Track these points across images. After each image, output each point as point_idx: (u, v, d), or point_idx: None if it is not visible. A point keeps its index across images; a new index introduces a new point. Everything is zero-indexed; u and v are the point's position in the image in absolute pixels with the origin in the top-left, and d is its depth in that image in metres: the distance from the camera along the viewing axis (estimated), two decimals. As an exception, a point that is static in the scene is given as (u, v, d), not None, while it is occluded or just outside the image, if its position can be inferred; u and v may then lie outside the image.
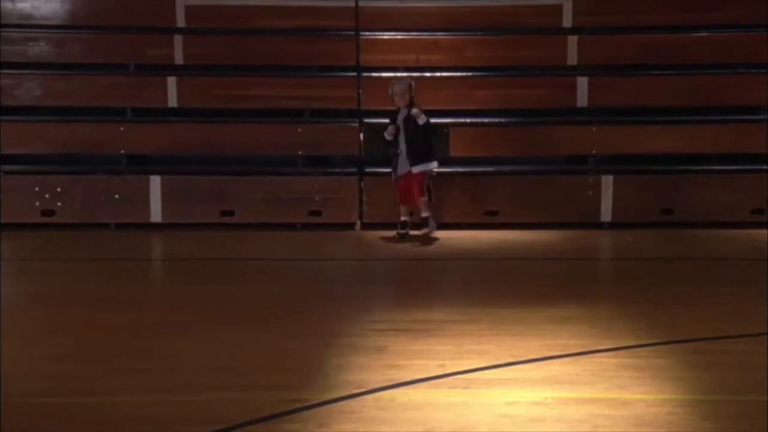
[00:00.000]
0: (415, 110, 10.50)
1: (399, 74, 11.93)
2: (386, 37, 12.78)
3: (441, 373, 5.68)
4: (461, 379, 5.60)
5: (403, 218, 10.77)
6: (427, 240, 10.50)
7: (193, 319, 7.10)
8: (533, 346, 6.23)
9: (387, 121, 10.85)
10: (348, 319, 7.17)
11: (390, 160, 10.84)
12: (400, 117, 10.70)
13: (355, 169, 11.82)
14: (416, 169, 10.56)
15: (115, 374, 5.68)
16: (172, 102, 12.19)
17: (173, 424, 4.77)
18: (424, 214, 10.59)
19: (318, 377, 5.64)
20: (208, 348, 6.30)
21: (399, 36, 12.78)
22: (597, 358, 5.95)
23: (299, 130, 11.97)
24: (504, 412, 5.02)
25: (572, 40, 12.62)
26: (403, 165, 10.65)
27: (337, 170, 12.18)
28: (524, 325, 6.86)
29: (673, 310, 7.32)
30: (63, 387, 5.40)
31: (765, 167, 11.50)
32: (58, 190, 11.48)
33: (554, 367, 5.81)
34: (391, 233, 10.79)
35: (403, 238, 10.63)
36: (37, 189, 11.48)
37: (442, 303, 8.01)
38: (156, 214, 11.35)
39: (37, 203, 11.46)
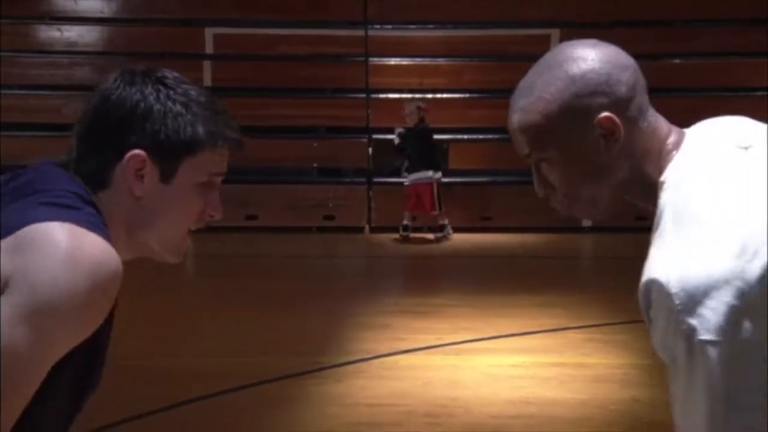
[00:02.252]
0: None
1: (405, 95, 12.40)
2: (392, 62, 13.30)
3: (437, 343, 6.37)
4: (453, 348, 6.29)
5: (405, 222, 11.28)
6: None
7: (227, 305, 7.71)
8: (515, 325, 6.88)
9: (393, 137, 11.33)
10: (358, 304, 7.85)
11: (399, 171, 11.29)
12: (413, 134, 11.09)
13: (364, 179, 12.33)
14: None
15: (174, 344, 6.39)
16: None
17: (223, 378, 5.45)
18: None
19: (334, 347, 6.34)
20: (243, 326, 6.94)
21: (404, 62, 13.29)
22: (568, 334, 6.63)
23: (315, 144, 12.45)
24: (488, 372, 5.75)
25: None
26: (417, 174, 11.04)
27: (348, 180, 12.65)
28: (509, 308, 7.52)
29: (635, 297, 7.97)
30: (142, 351, 6.12)
31: None
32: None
33: (531, 341, 6.49)
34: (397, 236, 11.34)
35: (405, 240, 11.21)
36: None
37: (440, 291, 8.63)
38: None
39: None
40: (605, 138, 1.51)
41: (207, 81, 13.09)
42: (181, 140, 1.52)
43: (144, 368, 5.66)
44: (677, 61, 13.18)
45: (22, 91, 12.91)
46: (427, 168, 10.98)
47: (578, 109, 1.51)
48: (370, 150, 12.45)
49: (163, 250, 1.59)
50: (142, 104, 1.51)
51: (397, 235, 11.30)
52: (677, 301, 1.38)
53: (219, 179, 1.59)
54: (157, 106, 1.51)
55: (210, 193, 1.58)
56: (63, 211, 1.42)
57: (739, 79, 13.01)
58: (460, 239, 11.22)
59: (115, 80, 1.53)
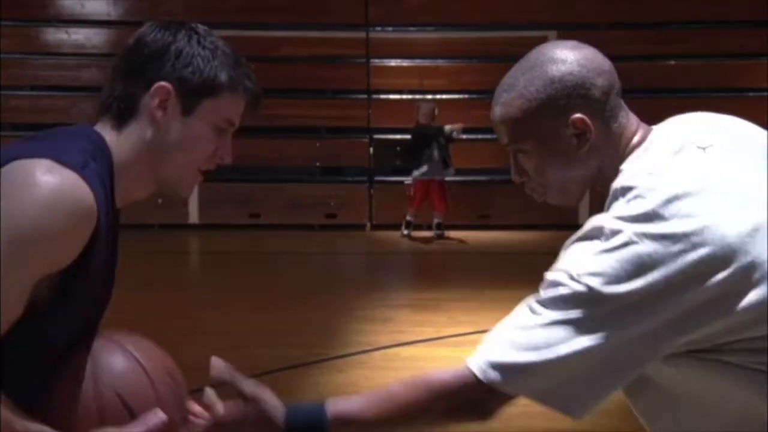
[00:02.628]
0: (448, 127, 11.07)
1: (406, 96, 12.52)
2: (393, 64, 13.35)
3: (436, 335, 6.49)
4: (452, 340, 6.38)
5: (408, 218, 11.31)
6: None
7: (231, 299, 7.80)
8: (513, 318, 7.04)
9: (396, 137, 11.43)
10: (360, 298, 7.98)
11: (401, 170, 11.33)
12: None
13: (365, 178, 12.42)
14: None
15: (177, 335, 6.49)
16: None
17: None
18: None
19: (336, 339, 6.46)
20: (247, 320, 7.05)
21: (404, 63, 13.34)
22: None
23: (317, 144, 12.54)
24: (486, 363, 5.87)
25: None
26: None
27: (349, 179, 12.74)
28: (506, 302, 7.47)
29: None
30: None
31: None
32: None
33: (528, 332, 6.64)
34: (399, 234, 11.39)
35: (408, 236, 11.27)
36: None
37: (439, 286, 8.76)
38: (194, 216, 11.97)
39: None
40: (577, 137, 1.64)
41: None
42: (205, 80, 1.66)
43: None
44: (673, 62, 13.23)
45: (33, 92, 13.04)
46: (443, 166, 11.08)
47: (554, 108, 1.64)
48: (371, 150, 12.53)
49: (177, 182, 1.72)
50: (174, 45, 1.65)
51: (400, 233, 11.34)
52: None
53: (232, 128, 1.72)
54: (187, 48, 1.65)
55: (223, 138, 1.71)
56: (51, 150, 1.54)
57: (733, 80, 13.08)
58: (459, 236, 11.30)
59: (151, 25, 1.69)
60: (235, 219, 12.04)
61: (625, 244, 1.48)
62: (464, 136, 12.61)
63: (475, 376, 1.58)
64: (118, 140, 1.67)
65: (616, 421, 4.73)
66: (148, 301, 7.40)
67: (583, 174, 1.68)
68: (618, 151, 1.66)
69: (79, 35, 13.43)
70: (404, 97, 12.75)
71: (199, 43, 1.67)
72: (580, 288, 1.51)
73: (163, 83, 1.64)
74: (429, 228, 11.45)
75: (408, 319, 7.03)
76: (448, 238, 11.26)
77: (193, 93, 1.66)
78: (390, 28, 13.50)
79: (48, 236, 1.51)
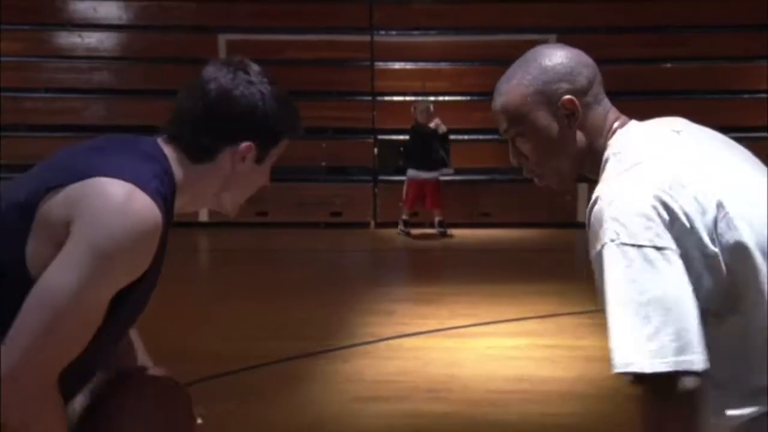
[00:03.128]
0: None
1: (409, 98, 12.56)
2: (397, 66, 13.42)
3: (438, 327, 6.59)
4: (454, 332, 6.51)
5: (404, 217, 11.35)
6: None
7: (240, 293, 7.94)
8: (511, 311, 7.09)
9: (399, 138, 11.47)
10: (365, 292, 8.08)
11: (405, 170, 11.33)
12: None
13: (369, 178, 12.48)
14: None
15: (190, 326, 6.58)
16: None
17: (236, 359, 5.66)
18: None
19: (341, 331, 6.56)
20: (255, 312, 7.16)
21: (408, 66, 13.42)
22: (562, 319, 6.82)
23: (323, 145, 12.61)
24: (485, 353, 5.97)
25: None
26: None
27: (354, 178, 12.79)
28: (506, 296, 7.72)
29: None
30: (158, 334, 6.34)
31: None
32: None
33: (527, 325, 6.71)
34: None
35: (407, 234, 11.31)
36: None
37: (440, 281, 8.86)
38: (203, 215, 12.03)
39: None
40: (567, 117, 1.86)
41: None
42: (278, 137, 1.90)
43: (161, 348, 5.87)
44: (668, 65, 13.32)
45: (47, 94, 13.14)
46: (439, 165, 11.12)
47: (548, 92, 1.87)
48: (376, 150, 12.60)
49: (233, 208, 1.98)
50: (260, 105, 1.84)
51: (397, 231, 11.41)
52: (609, 214, 1.67)
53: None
54: (264, 107, 1.85)
55: (269, 168, 1.98)
56: (132, 168, 1.67)
57: (729, 83, 13.18)
58: (460, 234, 11.39)
59: (233, 76, 1.84)
60: (243, 217, 12.04)
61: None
62: (465, 137, 12.74)
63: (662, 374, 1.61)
64: (186, 171, 1.85)
65: (606, 405, 4.87)
66: (161, 295, 7.48)
67: (572, 152, 1.88)
68: (603, 130, 1.88)
69: (91, 39, 13.53)
70: (407, 99, 12.79)
71: (272, 98, 1.88)
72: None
73: (249, 143, 1.85)
74: (431, 226, 11.52)
75: (410, 312, 7.11)
76: (450, 235, 11.33)
77: (268, 147, 1.91)
78: (393, 32, 13.61)
79: (129, 255, 1.67)
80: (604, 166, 1.83)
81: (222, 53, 13.43)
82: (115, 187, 1.66)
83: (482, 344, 6.19)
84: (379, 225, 12.07)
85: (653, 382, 1.61)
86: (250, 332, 6.50)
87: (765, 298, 1.65)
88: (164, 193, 1.75)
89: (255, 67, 1.94)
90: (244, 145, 1.87)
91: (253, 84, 1.89)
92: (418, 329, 6.54)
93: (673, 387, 1.59)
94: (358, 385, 5.28)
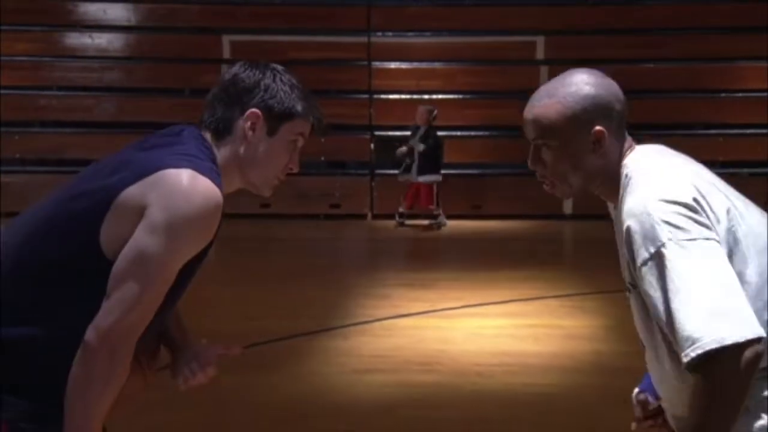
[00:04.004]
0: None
1: (404, 96, 12.77)
2: (393, 66, 13.59)
3: (429, 309, 6.89)
4: (444, 313, 6.81)
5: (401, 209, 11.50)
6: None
7: (247, 278, 8.18)
8: (498, 295, 7.38)
9: (395, 134, 11.64)
10: (361, 278, 8.36)
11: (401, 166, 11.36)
12: (419, 133, 11.16)
13: (367, 171, 12.65)
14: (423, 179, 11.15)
15: (200, 307, 6.86)
16: None
17: (242, 337, 5.84)
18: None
19: (340, 312, 6.84)
20: (260, 296, 7.45)
21: (403, 66, 13.58)
22: (545, 302, 7.12)
23: (322, 140, 12.75)
24: (473, 332, 6.27)
25: (544, 69, 13.28)
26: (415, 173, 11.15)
27: (352, 172, 12.94)
28: (494, 282, 7.99)
29: (608, 272, 8.43)
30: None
31: None
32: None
33: (512, 307, 7.01)
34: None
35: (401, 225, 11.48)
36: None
37: (433, 268, 9.12)
38: None
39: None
40: (594, 143, 2.03)
41: None
42: (285, 109, 2.07)
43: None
44: (651, 65, 13.48)
45: (60, 92, 13.32)
46: (434, 170, 11.21)
47: (583, 118, 2.02)
48: (372, 145, 12.78)
49: (261, 184, 2.14)
50: (263, 81, 2.06)
51: (395, 222, 11.62)
52: (656, 218, 1.86)
53: (302, 141, 2.13)
54: (272, 84, 2.06)
55: (293, 152, 2.13)
56: (188, 159, 1.97)
57: (707, 82, 13.38)
58: (453, 225, 11.64)
59: (243, 65, 2.10)
60: (248, 209, 12.19)
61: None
62: (458, 133, 12.90)
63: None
64: (220, 152, 2.08)
65: (582, 377, 5.20)
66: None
67: (590, 172, 2.06)
68: (619, 157, 2.06)
69: (101, 40, 13.71)
70: (403, 97, 12.96)
71: (281, 80, 2.08)
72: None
73: (254, 110, 2.06)
74: (427, 217, 11.72)
75: (404, 296, 7.39)
76: (438, 227, 11.52)
77: (276, 118, 2.07)
78: (390, 34, 13.79)
79: (197, 230, 1.94)
80: (627, 182, 1.99)
81: (226, 53, 13.65)
82: (181, 175, 1.94)
83: (470, 324, 6.49)
84: (375, 216, 12.27)
85: (736, 350, 1.77)
86: (255, 312, 6.79)
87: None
88: (217, 175, 2.03)
89: (277, 65, 2.14)
90: (250, 111, 2.05)
91: (267, 69, 2.11)
92: (411, 310, 6.83)
93: (743, 354, 1.78)
94: (357, 359, 5.60)
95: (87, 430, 1.96)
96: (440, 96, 13.23)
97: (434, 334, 6.21)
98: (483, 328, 6.37)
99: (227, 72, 2.12)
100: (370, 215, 12.38)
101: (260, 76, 2.07)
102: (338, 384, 5.12)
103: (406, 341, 6.00)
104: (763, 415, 1.92)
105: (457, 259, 9.73)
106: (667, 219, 1.85)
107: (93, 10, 13.94)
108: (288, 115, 2.08)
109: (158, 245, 1.90)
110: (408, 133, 11.38)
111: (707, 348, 1.77)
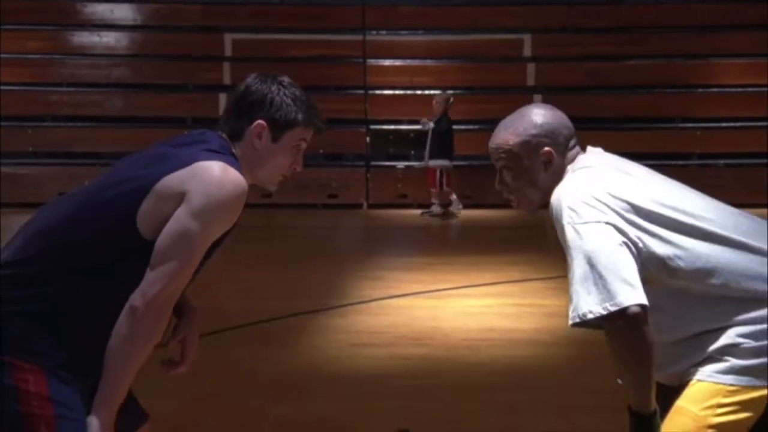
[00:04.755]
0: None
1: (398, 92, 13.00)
2: (387, 63, 13.79)
3: (422, 290, 7.15)
4: (435, 294, 7.07)
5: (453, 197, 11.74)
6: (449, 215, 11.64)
7: (250, 262, 8.22)
8: (486, 277, 7.64)
9: (389, 127, 11.88)
10: (358, 262, 8.61)
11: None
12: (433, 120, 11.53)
13: (363, 163, 12.86)
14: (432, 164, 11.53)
15: (205, 289, 7.10)
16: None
17: (246, 315, 6.20)
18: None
19: (338, 293, 7.09)
20: (262, 279, 7.70)
21: (397, 63, 13.78)
22: (529, 284, 7.38)
23: (320, 134, 12.98)
24: (461, 310, 6.54)
25: (531, 66, 13.66)
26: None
27: (349, 164, 13.16)
28: (482, 265, 8.24)
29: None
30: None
31: (680, 162, 12.51)
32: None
33: (498, 288, 7.27)
34: (391, 212, 11.87)
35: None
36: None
37: (425, 253, 9.39)
38: None
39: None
40: (545, 164, 2.37)
41: (227, 80, 13.56)
42: (287, 120, 2.33)
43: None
44: (633, 62, 13.69)
45: (70, 88, 13.51)
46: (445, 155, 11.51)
47: (533, 143, 2.37)
48: (368, 138, 12.97)
49: (267, 182, 2.41)
50: (269, 95, 2.32)
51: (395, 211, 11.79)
52: (567, 205, 2.21)
53: (304, 145, 2.40)
54: (277, 98, 2.32)
55: (297, 155, 2.40)
56: (217, 154, 2.24)
57: (683, 78, 13.64)
58: (443, 214, 11.88)
59: (255, 79, 2.36)
60: (250, 198, 12.25)
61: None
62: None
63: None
64: (236, 152, 2.35)
65: (560, 350, 5.48)
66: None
67: (545, 187, 2.37)
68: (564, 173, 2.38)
69: (109, 38, 13.91)
70: (397, 92, 13.16)
71: (285, 94, 2.33)
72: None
73: (260, 121, 2.32)
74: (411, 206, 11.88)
75: (398, 278, 7.64)
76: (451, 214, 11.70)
77: (279, 128, 2.33)
78: (384, 32, 14.00)
79: (227, 212, 2.21)
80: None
81: (227, 51, 13.86)
82: (214, 167, 2.21)
83: (459, 303, 6.77)
84: (371, 206, 12.46)
85: (614, 316, 2.12)
86: (259, 293, 7.06)
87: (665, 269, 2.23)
88: (239, 168, 2.30)
89: (284, 78, 2.40)
90: (257, 123, 2.31)
91: (274, 83, 2.36)
92: (404, 291, 7.09)
93: (626, 316, 2.11)
94: (354, 335, 5.86)
95: (124, 380, 2.23)
96: (432, 92, 13.21)
97: (425, 312, 6.48)
98: (471, 307, 6.65)
99: (241, 84, 2.38)
100: (365, 205, 12.57)
101: (267, 90, 2.32)
102: (337, 357, 5.39)
103: (400, 319, 6.26)
104: (728, 358, 2.22)
105: (447, 245, 10.00)
106: (570, 206, 2.20)
107: (101, 10, 14.14)
108: (290, 125, 2.33)
109: (197, 225, 2.17)
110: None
111: (574, 315, 2.15)
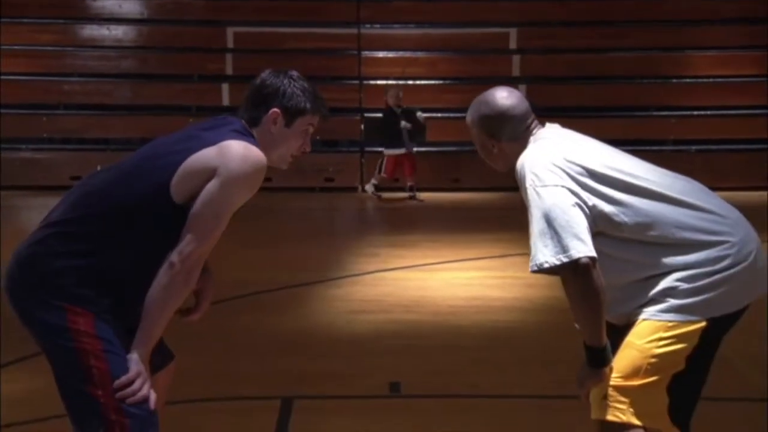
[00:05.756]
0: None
1: (390, 82, 13.11)
2: (380, 55, 14.00)
3: (412, 264, 7.45)
4: (423, 267, 7.38)
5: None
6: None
7: (252, 240, 8.38)
8: (471, 253, 7.96)
9: (381, 115, 11.99)
10: (353, 239, 8.95)
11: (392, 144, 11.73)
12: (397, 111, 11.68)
13: (357, 149, 13.10)
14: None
15: (215, 263, 7.38)
16: (225, 102, 13.26)
17: (250, 285, 6.52)
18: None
19: (334, 266, 7.40)
20: (266, 253, 8.00)
21: (390, 55, 13.98)
22: (511, 258, 7.60)
23: None
24: (448, 281, 6.86)
25: (516, 58, 13.93)
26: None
27: (344, 150, 13.39)
28: (468, 242, 8.53)
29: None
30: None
31: (655, 148, 12.78)
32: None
33: (482, 263, 7.58)
34: (386, 195, 12.06)
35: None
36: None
37: (415, 232, 9.69)
38: None
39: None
40: (492, 146, 2.72)
41: (229, 71, 13.81)
42: (298, 108, 2.61)
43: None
44: (613, 54, 13.90)
45: (81, 79, 13.72)
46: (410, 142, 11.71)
47: (485, 122, 2.70)
48: (362, 126, 13.16)
49: (279, 161, 2.68)
50: (281, 87, 2.61)
51: (389, 195, 11.98)
52: (529, 170, 2.55)
53: (312, 129, 2.67)
54: (289, 89, 2.61)
55: (306, 137, 2.68)
56: (241, 135, 2.55)
57: (660, 70, 13.90)
58: (434, 197, 12.11)
59: (269, 74, 2.65)
60: None
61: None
62: (438, 115, 13.22)
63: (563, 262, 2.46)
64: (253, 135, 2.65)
65: (537, 316, 5.80)
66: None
67: (505, 156, 2.72)
68: (519, 147, 2.69)
69: (118, 31, 14.09)
70: (390, 82, 13.24)
71: (295, 86, 2.60)
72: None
73: (275, 109, 2.60)
74: (402, 190, 12.09)
75: (390, 254, 7.93)
76: (420, 199, 11.94)
77: (291, 115, 2.61)
78: (378, 26, 14.19)
79: (250, 184, 2.50)
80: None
81: (230, 43, 14.03)
82: (240, 145, 2.51)
83: (446, 276, 7.08)
84: (365, 189, 12.65)
85: (567, 267, 2.45)
86: (262, 267, 7.36)
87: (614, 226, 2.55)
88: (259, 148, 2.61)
89: (294, 73, 2.68)
90: (272, 110, 2.60)
91: (285, 77, 2.65)
92: (395, 265, 7.40)
93: (577, 266, 2.44)
94: (349, 303, 6.18)
95: (160, 322, 2.55)
96: (423, 82, 13.67)
97: (415, 284, 6.79)
98: (457, 278, 6.96)
99: (258, 77, 2.67)
100: (360, 188, 12.79)
101: (279, 83, 2.61)
102: (335, 322, 5.71)
103: (392, 289, 6.58)
104: (668, 299, 2.56)
105: (437, 225, 10.26)
106: (531, 170, 2.53)
107: (110, 5, 14.32)
108: (300, 112, 2.60)
109: (227, 195, 2.49)
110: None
111: (533, 264, 2.51)
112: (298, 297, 6.37)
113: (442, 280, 6.93)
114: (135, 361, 2.49)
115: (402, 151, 11.73)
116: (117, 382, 2.42)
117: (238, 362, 4.83)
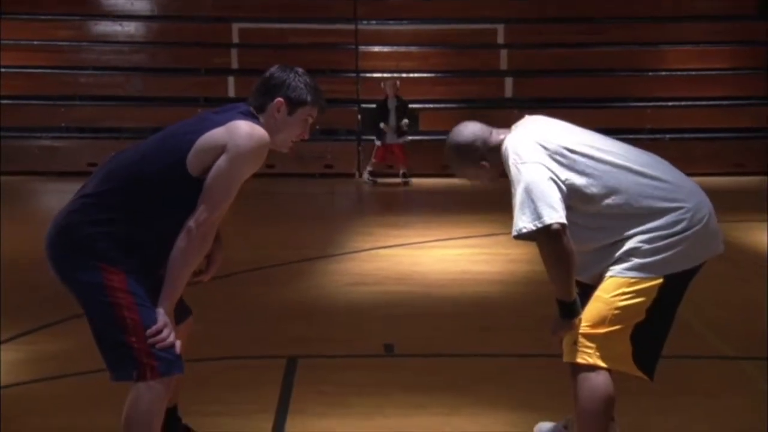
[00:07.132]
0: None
1: (386, 75, 13.21)
2: (376, 49, 14.06)
3: (405, 242, 7.68)
4: (416, 245, 7.60)
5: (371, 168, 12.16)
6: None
7: (255, 221, 8.69)
8: (460, 233, 8.15)
9: (375, 106, 12.15)
10: (350, 220, 9.13)
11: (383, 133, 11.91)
12: (391, 103, 11.92)
13: (354, 138, 13.21)
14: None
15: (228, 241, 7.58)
16: (231, 93, 13.25)
17: (260, 262, 6.75)
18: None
19: (333, 245, 7.61)
20: (268, 233, 8.19)
21: (385, 49, 14.06)
22: (497, 237, 7.80)
23: None
24: (438, 257, 7.09)
25: (503, 52, 13.97)
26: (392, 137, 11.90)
27: (342, 138, 13.47)
28: (457, 223, 8.72)
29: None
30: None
31: (633, 136, 12.79)
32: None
33: (470, 241, 7.78)
34: (382, 180, 12.22)
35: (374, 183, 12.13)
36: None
37: (407, 213, 9.96)
38: None
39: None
40: (479, 169, 3.01)
41: (234, 65, 13.85)
42: (300, 99, 2.84)
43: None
44: (595, 49, 13.98)
45: (95, 72, 13.83)
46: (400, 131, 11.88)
47: (463, 148, 2.98)
48: (359, 116, 13.25)
49: (281, 145, 2.90)
50: (287, 80, 2.83)
51: (384, 180, 12.17)
52: (512, 150, 2.80)
53: (311, 120, 2.88)
54: (293, 83, 2.83)
55: (305, 126, 2.90)
56: (247, 117, 2.78)
57: (641, 63, 14.04)
58: (426, 182, 12.24)
59: (277, 68, 2.88)
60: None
61: None
62: (430, 106, 13.36)
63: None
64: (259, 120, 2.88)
65: (519, 287, 6.00)
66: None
67: (485, 172, 3.01)
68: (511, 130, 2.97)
69: (130, 27, 14.18)
70: (385, 75, 13.33)
71: (299, 80, 2.82)
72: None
73: (280, 99, 2.82)
74: (396, 176, 12.22)
75: (384, 233, 8.13)
76: (412, 184, 12.06)
77: (294, 105, 2.83)
78: (374, 22, 14.26)
79: (256, 159, 2.73)
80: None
81: (235, 39, 14.06)
82: (246, 124, 2.74)
83: (437, 252, 7.31)
84: (362, 175, 12.78)
85: (541, 231, 2.71)
86: (264, 245, 7.57)
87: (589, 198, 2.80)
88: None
89: (299, 68, 2.90)
90: (277, 99, 2.83)
91: (291, 72, 2.87)
92: (389, 243, 7.61)
93: (549, 231, 2.70)
94: (348, 276, 6.42)
95: (181, 280, 2.79)
96: (416, 75, 13.73)
97: (408, 260, 7.02)
98: (446, 255, 7.19)
99: (268, 71, 2.89)
100: (357, 174, 12.93)
101: (285, 77, 2.84)
102: (334, 293, 5.95)
103: (386, 264, 6.81)
104: (631, 258, 2.81)
105: (428, 208, 10.44)
106: (514, 150, 2.81)
107: (122, 2, 14.37)
108: (302, 103, 2.83)
109: (236, 168, 2.72)
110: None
111: (514, 230, 2.79)
112: (301, 271, 6.60)
113: (433, 256, 7.16)
114: (162, 313, 2.74)
115: (394, 141, 11.86)
116: (149, 331, 2.67)
117: (250, 327, 5.10)
